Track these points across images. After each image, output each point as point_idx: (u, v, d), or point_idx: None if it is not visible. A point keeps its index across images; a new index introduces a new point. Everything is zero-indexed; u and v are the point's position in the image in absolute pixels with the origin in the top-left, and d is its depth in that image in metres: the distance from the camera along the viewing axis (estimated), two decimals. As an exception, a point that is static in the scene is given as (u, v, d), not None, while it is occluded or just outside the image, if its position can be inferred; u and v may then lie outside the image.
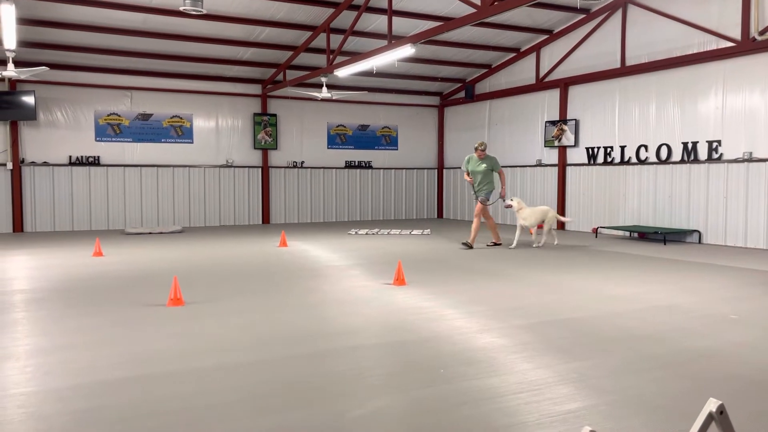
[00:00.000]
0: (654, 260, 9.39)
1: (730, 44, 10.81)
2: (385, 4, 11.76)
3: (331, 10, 12.43)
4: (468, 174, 11.07)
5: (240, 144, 16.26)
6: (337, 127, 17.48)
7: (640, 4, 12.40)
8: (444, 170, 18.84)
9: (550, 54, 14.79)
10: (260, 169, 16.51)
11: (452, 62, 15.93)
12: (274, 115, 16.52)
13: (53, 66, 13.22)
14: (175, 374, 4.00)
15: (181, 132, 15.57)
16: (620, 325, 5.31)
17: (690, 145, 11.71)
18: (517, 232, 11.08)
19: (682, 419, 3.22)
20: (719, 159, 11.22)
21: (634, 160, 12.82)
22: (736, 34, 10.68)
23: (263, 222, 16.56)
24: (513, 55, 15.74)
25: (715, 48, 11.10)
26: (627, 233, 12.95)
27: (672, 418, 3.29)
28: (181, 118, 15.55)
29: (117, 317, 5.61)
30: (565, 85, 14.30)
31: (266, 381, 3.89)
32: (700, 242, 11.55)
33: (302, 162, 16.99)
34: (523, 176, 15.82)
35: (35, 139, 14.15)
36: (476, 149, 10.88)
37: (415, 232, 13.75)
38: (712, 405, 2.13)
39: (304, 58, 14.92)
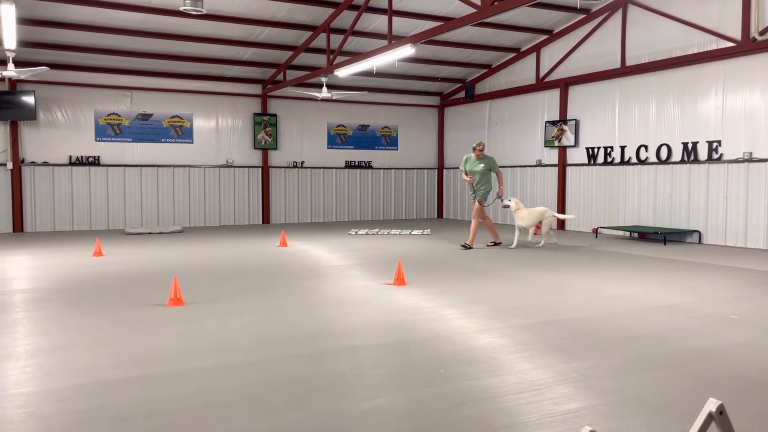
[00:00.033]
0: (654, 260, 9.39)
1: (730, 44, 10.81)
2: (385, 4, 11.76)
3: (331, 10, 12.43)
4: (466, 173, 11.05)
5: (240, 144, 16.27)
6: (337, 127, 17.48)
7: (640, 4, 12.40)
8: (444, 170, 18.84)
9: (550, 54, 14.79)
10: (260, 169, 16.51)
11: (452, 62, 15.93)
12: (274, 115, 16.52)
13: (53, 66, 13.21)
14: (175, 374, 4.00)
15: (181, 132, 15.57)
16: (620, 325, 5.31)
17: (690, 146, 11.71)
18: (517, 233, 11.08)
19: (682, 419, 3.22)
20: (719, 159, 11.22)
21: (634, 160, 12.82)
22: (737, 34, 10.69)
23: (263, 222, 16.56)
24: (513, 55, 15.74)
25: (715, 48, 11.10)
26: (627, 233, 12.95)
27: (672, 418, 3.29)
28: (181, 118, 15.55)
29: (117, 317, 5.61)
30: (565, 85, 14.30)
31: (266, 381, 3.90)
32: (700, 242, 11.55)
33: (302, 162, 16.99)
34: (523, 176, 15.82)
35: (35, 139, 14.15)
36: (474, 149, 10.87)
37: (415, 232, 13.75)
38: (711, 405, 2.13)
39: (304, 58, 14.92)
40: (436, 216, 18.95)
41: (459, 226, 15.72)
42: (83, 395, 3.62)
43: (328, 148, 17.40)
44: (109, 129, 14.82)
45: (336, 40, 13.33)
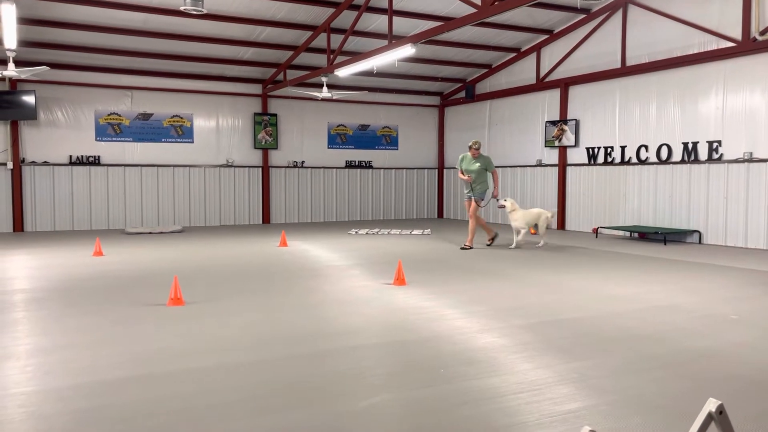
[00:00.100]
0: (654, 260, 9.39)
1: (730, 44, 10.81)
2: (385, 4, 11.76)
3: (331, 10, 12.43)
4: (462, 172, 10.99)
5: (240, 144, 16.27)
6: (337, 126, 17.49)
7: (640, 4, 12.39)
8: (444, 170, 18.84)
9: (551, 54, 14.79)
10: (260, 169, 16.51)
11: (452, 62, 15.93)
12: (275, 115, 16.53)
13: (54, 65, 13.21)
14: (175, 374, 4.00)
15: (182, 132, 15.57)
16: (620, 325, 5.31)
17: (690, 146, 11.71)
18: (516, 233, 11.06)
19: (682, 419, 3.22)
20: (719, 159, 11.21)
21: (634, 160, 12.82)
22: (737, 34, 10.68)
23: (263, 222, 16.56)
24: (513, 55, 15.74)
25: (715, 48, 11.10)
26: (627, 233, 12.95)
27: (672, 418, 3.29)
28: (181, 118, 15.55)
29: (117, 317, 5.61)
30: (565, 85, 14.30)
31: (267, 381, 3.90)
32: (700, 242, 11.55)
33: (302, 162, 17.00)
34: (523, 176, 15.82)
35: (35, 139, 14.15)
36: (470, 148, 10.83)
37: (415, 232, 13.75)
38: (711, 405, 2.13)
39: (305, 58, 14.93)
40: (436, 216, 18.95)
41: (459, 225, 15.72)
42: (84, 395, 3.62)
43: (328, 147, 17.40)
44: (110, 129, 14.82)
45: (336, 39, 13.33)
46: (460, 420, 3.25)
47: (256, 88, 16.36)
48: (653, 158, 12.43)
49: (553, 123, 14.65)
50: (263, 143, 16.38)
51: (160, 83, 15.19)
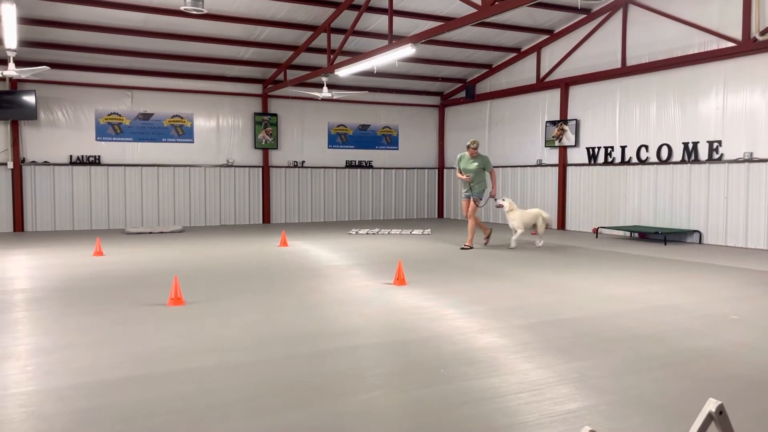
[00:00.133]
0: (654, 260, 9.39)
1: (730, 44, 10.80)
2: (385, 4, 11.75)
3: (331, 10, 12.43)
4: (460, 172, 10.96)
5: (240, 144, 16.27)
6: (337, 126, 17.49)
7: (640, 4, 12.39)
8: (444, 170, 18.83)
9: (551, 54, 14.79)
10: (261, 169, 16.51)
11: (453, 62, 15.93)
12: (275, 115, 16.53)
13: (54, 65, 13.22)
14: (175, 374, 4.01)
15: (182, 132, 15.58)
16: (620, 325, 5.31)
17: (690, 146, 11.71)
18: (515, 233, 11.03)
19: (682, 419, 3.22)
20: (720, 159, 11.21)
21: (634, 160, 12.82)
22: (737, 34, 10.68)
23: (264, 222, 16.56)
24: (514, 55, 15.74)
25: (715, 48, 11.10)
26: (627, 233, 12.94)
27: (672, 418, 3.29)
28: (181, 118, 15.56)
29: (117, 317, 5.61)
30: (565, 85, 14.30)
31: (267, 381, 3.90)
32: (700, 242, 11.54)
33: (303, 162, 17.00)
34: (523, 176, 15.82)
35: (36, 139, 14.16)
36: (468, 147, 10.81)
37: (415, 231, 13.75)
38: (711, 405, 2.13)
39: (305, 58, 14.93)
40: (436, 216, 18.95)
41: (459, 226, 15.72)
42: (84, 395, 3.62)
43: (328, 147, 17.40)
44: (110, 128, 14.83)
45: (336, 39, 13.33)
46: (460, 420, 3.25)
47: (257, 88, 16.36)
48: (653, 158, 12.43)
49: (554, 123, 14.65)
50: (263, 143, 16.38)
51: (161, 83, 15.19)
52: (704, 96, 11.46)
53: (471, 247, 10.72)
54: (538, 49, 15.02)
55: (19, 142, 13.95)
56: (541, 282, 7.49)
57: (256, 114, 16.29)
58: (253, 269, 8.57)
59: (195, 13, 9.43)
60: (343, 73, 12.91)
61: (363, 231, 13.90)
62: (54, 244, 11.44)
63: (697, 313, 5.76)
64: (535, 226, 11.08)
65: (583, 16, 13.58)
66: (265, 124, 16.39)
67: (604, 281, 7.57)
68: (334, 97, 14.91)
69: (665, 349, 4.57)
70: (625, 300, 6.40)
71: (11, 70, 10.97)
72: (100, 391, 3.67)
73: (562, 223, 14.55)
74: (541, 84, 14.93)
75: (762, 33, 10.22)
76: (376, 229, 14.15)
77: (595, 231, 13.42)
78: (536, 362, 4.24)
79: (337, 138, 17.50)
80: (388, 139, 18.17)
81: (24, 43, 12.18)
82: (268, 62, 15.16)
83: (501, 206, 11.00)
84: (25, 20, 11.37)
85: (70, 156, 14.45)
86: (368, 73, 14.35)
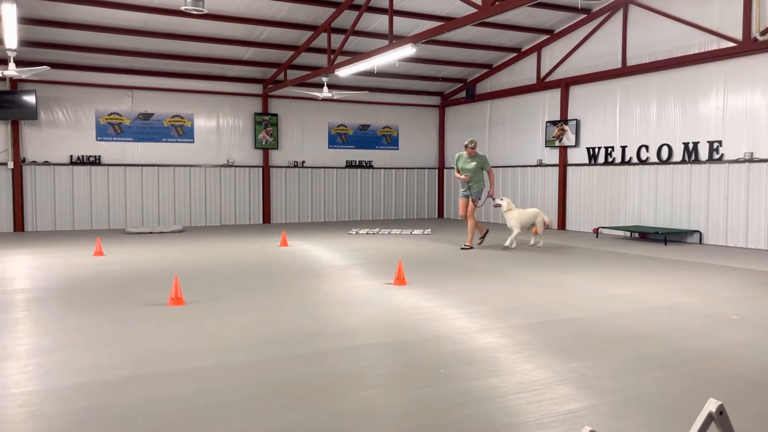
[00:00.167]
0: (654, 260, 9.39)
1: (731, 44, 10.80)
2: (386, 4, 11.75)
3: (332, 10, 12.44)
4: (458, 171, 10.94)
5: (241, 143, 16.27)
6: (337, 126, 17.49)
7: (641, 4, 12.39)
8: (445, 170, 18.83)
9: (551, 54, 14.79)
10: (261, 169, 16.52)
11: (453, 62, 15.93)
12: (275, 115, 16.53)
13: (54, 65, 13.23)
14: (175, 374, 4.01)
15: (182, 132, 15.58)
16: (621, 325, 5.31)
17: (691, 146, 11.71)
18: (511, 232, 11.00)
19: (682, 419, 3.22)
20: (720, 159, 11.21)
21: (635, 160, 12.82)
22: (738, 34, 10.68)
23: (264, 222, 16.56)
24: (514, 55, 15.74)
25: (716, 48, 11.10)
26: (628, 233, 12.94)
27: (672, 418, 3.29)
28: (182, 118, 15.56)
29: (118, 317, 5.61)
30: (566, 85, 14.29)
31: (267, 381, 3.90)
32: (700, 242, 11.54)
33: (303, 162, 17.00)
34: (523, 176, 15.82)
35: (36, 139, 14.16)
36: (466, 146, 10.79)
37: (415, 231, 13.75)
38: (711, 405, 2.13)
39: (305, 58, 14.93)
40: (436, 216, 18.95)
41: (459, 226, 15.72)
42: (84, 395, 3.62)
43: (328, 147, 17.41)
44: (110, 128, 14.83)
45: (337, 39, 13.33)
46: (460, 420, 3.25)
47: (257, 88, 16.36)
48: (654, 158, 12.43)
49: (554, 123, 14.65)
50: (264, 143, 16.39)
51: (161, 83, 15.19)
52: (704, 96, 11.46)
53: (471, 247, 10.72)
54: (538, 49, 15.02)
55: (20, 142, 13.96)
56: (541, 282, 7.49)
57: (256, 114, 16.29)
58: (254, 269, 8.57)
59: (195, 13, 9.44)
60: (344, 73, 12.91)
61: (363, 231, 13.90)
62: (54, 244, 11.45)
63: (697, 313, 5.76)
64: (534, 225, 11.07)
65: (584, 16, 13.58)
66: (266, 124, 16.39)
67: (604, 281, 7.57)
68: (335, 97, 14.91)
69: (665, 349, 4.57)
70: (625, 300, 6.40)
71: (11, 70, 10.98)
72: (100, 391, 3.67)
73: (562, 223, 14.55)
74: (542, 84, 14.93)
75: (762, 33, 10.22)
76: (377, 229, 14.15)
77: (596, 231, 13.42)
78: (536, 362, 4.24)
79: (338, 138, 17.51)
80: (388, 139, 18.17)
81: (24, 43, 12.19)
82: (269, 62, 15.16)
83: (499, 206, 10.99)
84: (25, 20, 11.37)
85: (71, 156, 14.46)
86: (368, 73, 14.36)
